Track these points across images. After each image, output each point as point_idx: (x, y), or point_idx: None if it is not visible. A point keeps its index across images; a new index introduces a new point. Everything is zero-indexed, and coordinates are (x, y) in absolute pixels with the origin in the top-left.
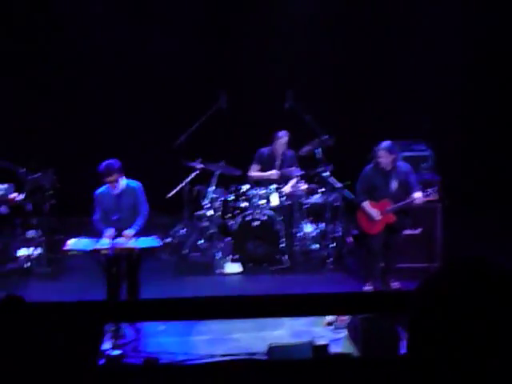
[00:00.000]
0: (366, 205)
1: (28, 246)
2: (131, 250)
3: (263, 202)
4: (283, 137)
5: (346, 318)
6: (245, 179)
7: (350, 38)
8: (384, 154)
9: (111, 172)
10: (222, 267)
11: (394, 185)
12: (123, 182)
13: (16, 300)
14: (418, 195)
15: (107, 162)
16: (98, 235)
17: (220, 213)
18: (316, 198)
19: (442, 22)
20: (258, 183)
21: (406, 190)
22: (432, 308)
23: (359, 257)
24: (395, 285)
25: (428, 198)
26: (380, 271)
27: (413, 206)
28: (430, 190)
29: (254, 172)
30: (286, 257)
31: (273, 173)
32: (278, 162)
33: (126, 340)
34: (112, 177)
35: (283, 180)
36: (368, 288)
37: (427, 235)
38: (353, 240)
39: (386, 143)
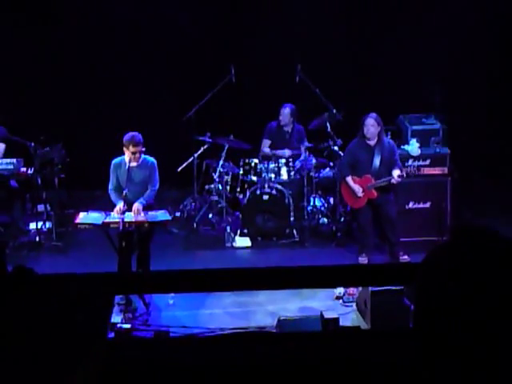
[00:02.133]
0: (349, 180)
1: (38, 220)
2: (141, 223)
3: (272, 176)
4: (285, 108)
5: (354, 292)
6: (255, 153)
7: (360, 11)
8: (373, 122)
9: (139, 142)
10: (232, 241)
11: (377, 161)
12: (141, 156)
13: (25, 271)
14: (395, 173)
15: (133, 133)
16: (110, 207)
17: (229, 187)
18: (325, 172)
19: None
20: (269, 158)
21: (388, 166)
22: (437, 279)
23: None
24: (404, 258)
25: (401, 179)
26: (374, 243)
27: (391, 183)
28: (408, 169)
29: (266, 148)
30: (295, 231)
31: (285, 151)
32: (288, 137)
33: (136, 313)
34: (139, 147)
35: (292, 156)
36: (362, 259)
37: (437, 209)
38: None
39: (374, 114)
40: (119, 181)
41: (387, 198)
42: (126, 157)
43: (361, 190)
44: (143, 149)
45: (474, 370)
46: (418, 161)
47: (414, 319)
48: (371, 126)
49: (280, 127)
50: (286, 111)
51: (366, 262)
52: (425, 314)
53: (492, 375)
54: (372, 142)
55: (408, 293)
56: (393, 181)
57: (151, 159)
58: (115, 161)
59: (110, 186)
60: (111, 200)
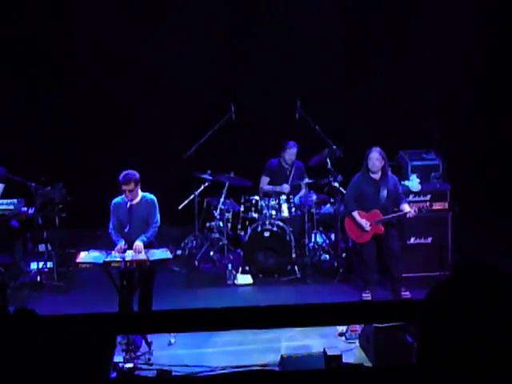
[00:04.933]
0: (356, 215)
1: (39, 260)
2: (142, 262)
3: (273, 212)
4: (293, 147)
5: (357, 329)
6: (256, 190)
7: (358, 48)
8: (377, 156)
9: (129, 181)
10: (234, 278)
11: (384, 194)
12: (139, 194)
13: (27, 313)
14: (407, 208)
15: (126, 171)
16: (111, 246)
17: (230, 224)
18: (326, 209)
19: (453, 25)
20: (268, 195)
21: (393, 200)
22: (439, 316)
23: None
24: (406, 294)
25: (417, 213)
26: (377, 279)
27: (402, 218)
28: (421, 204)
29: (265, 185)
30: (297, 267)
31: (284, 187)
32: (288, 174)
33: (138, 353)
34: (129, 186)
35: (293, 192)
36: (366, 295)
37: (438, 244)
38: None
39: (377, 148)
40: (120, 220)
41: (391, 233)
42: (126, 197)
43: (368, 224)
44: (137, 187)
45: None
46: (419, 196)
47: (416, 355)
48: (376, 159)
49: (280, 164)
50: (293, 151)
51: (369, 298)
52: (427, 351)
53: None
54: (377, 176)
55: (411, 329)
56: (409, 215)
57: (151, 196)
58: (115, 200)
59: (111, 226)
60: (112, 240)
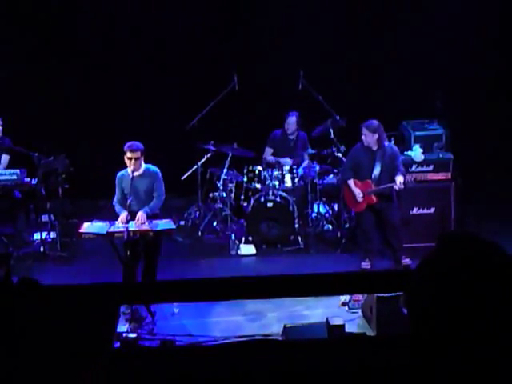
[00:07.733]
0: (351, 183)
1: (42, 231)
2: (146, 232)
3: (276, 183)
4: (292, 116)
5: (360, 299)
6: (259, 161)
7: (362, 17)
8: (366, 131)
9: (136, 149)
10: (237, 249)
11: (378, 166)
12: (143, 166)
13: (30, 283)
14: (398, 180)
15: (132, 141)
16: (114, 217)
17: (233, 194)
18: (329, 179)
19: None
20: (271, 166)
21: (390, 172)
22: (426, 285)
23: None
24: (406, 261)
25: (402, 186)
26: (378, 249)
27: (393, 189)
28: (408, 178)
29: (269, 156)
30: (300, 238)
31: (287, 160)
32: (292, 145)
33: (141, 323)
34: (135, 153)
35: (296, 162)
36: (365, 264)
37: (441, 214)
38: None
39: (370, 122)
40: (124, 192)
41: (389, 204)
42: (129, 168)
43: (361, 194)
44: (141, 158)
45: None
46: (422, 166)
47: (409, 324)
48: (363, 134)
49: (285, 135)
50: (292, 120)
51: (368, 267)
52: (417, 322)
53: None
54: (374, 148)
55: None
56: (395, 187)
57: (154, 168)
58: (119, 174)
59: (115, 199)
60: (115, 211)
